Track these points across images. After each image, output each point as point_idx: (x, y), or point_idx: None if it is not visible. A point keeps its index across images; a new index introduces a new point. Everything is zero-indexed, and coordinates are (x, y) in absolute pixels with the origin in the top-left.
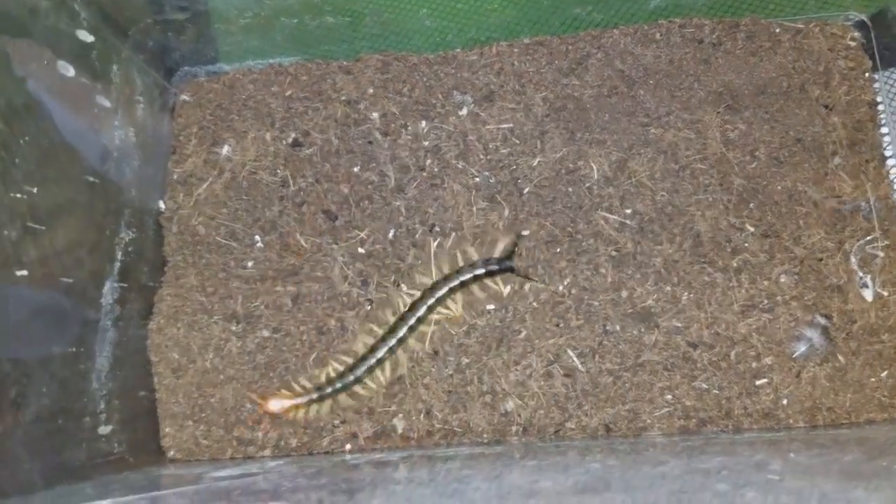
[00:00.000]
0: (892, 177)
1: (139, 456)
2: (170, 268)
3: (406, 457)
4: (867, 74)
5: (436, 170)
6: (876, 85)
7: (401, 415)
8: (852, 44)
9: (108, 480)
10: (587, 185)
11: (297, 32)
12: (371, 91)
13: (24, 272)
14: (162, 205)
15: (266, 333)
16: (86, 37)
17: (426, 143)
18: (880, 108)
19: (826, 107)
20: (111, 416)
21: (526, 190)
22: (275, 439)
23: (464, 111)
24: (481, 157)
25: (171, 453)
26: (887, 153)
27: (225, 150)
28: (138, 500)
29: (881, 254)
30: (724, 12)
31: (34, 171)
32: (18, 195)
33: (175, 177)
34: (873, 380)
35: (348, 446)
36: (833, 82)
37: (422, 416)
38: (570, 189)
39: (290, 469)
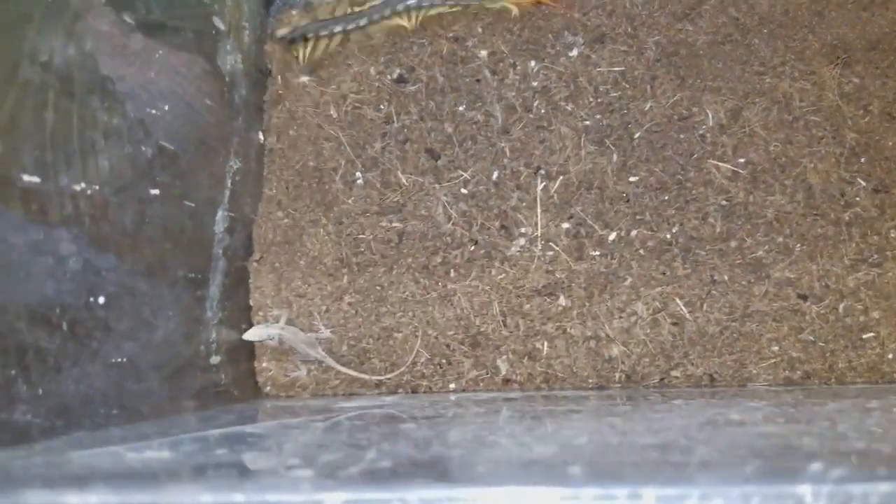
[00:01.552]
0: None
1: (242, 389)
2: (268, 201)
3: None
4: None
5: (543, 111)
6: None
7: (504, 356)
8: None
9: (237, 409)
10: (700, 132)
11: None
12: (480, 29)
13: (157, 191)
14: (261, 136)
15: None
16: None
17: (535, 84)
18: None
19: None
20: (220, 346)
21: (636, 135)
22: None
23: (574, 52)
24: (591, 100)
25: (267, 388)
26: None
27: (326, 83)
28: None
29: None
30: None
31: (164, 90)
32: (153, 111)
33: (275, 109)
34: None
35: (452, 386)
36: None
37: (525, 358)
38: (682, 136)
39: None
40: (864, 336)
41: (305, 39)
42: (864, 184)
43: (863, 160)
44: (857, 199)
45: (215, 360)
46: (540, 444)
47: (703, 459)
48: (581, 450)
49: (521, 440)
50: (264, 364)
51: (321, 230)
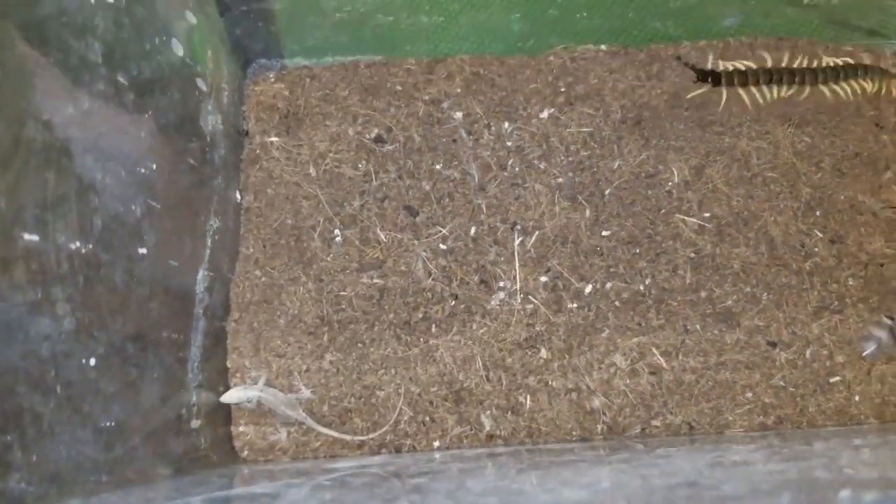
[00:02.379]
0: None
1: (219, 454)
2: (245, 259)
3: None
4: None
5: (517, 169)
6: None
7: (488, 412)
8: (893, 68)
9: (215, 475)
10: (666, 188)
11: (387, 30)
12: (455, 91)
13: (144, 250)
14: (238, 195)
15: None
16: (191, 18)
17: (509, 144)
18: None
19: (877, 125)
20: (200, 410)
21: (607, 191)
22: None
23: (545, 114)
24: (562, 158)
25: (244, 453)
26: None
27: (304, 143)
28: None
29: None
30: (786, 34)
31: (155, 147)
32: (143, 170)
33: (252, 169)
34: None
35: (436, 444)
36: (882, 104)
37: (508, 413)
38: (650, 192)
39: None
40: (832, 380)
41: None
42: (820, 235)
43: (818, 213)
44: (816, 249)
45: (195, 423)
46: (566, 488)
47: (736, 493)
48: (611, 493)
49: (545, 486)
50: (241, 428)
51: (300, 288)
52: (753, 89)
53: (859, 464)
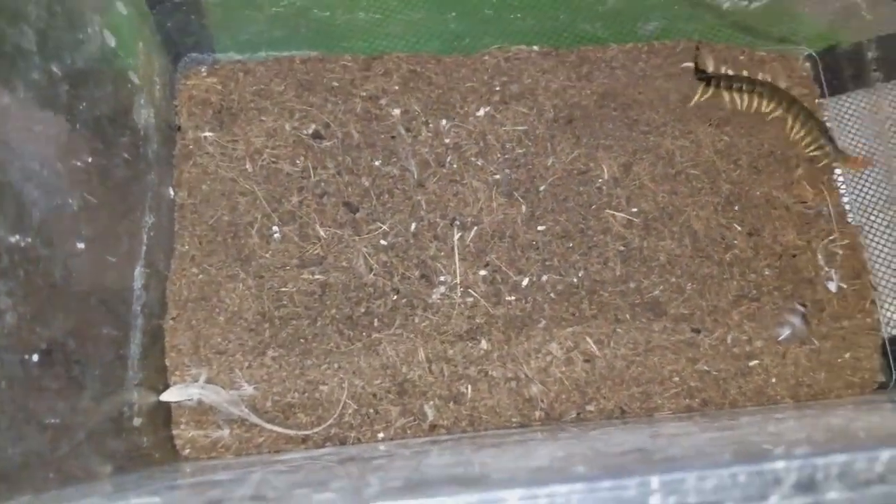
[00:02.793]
0: (840, 187)
1: (161, 452)
2: (181, 257)
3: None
4: (816, 101)
5: (455, 166)
6: (825, 111)
7: (431, 402)
8: (804, 74)
9: (157, 473)
10: (597, 185)
11: (324, 26)
12: (393, 88)
13: (82, 245)
14: (171, 192)
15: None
16: (122, 9)
17: (447, 141)
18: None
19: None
20: (141, 408)
21: (542, 188)
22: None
23: (481, 112)
24: (499, 155)
25: (186, 451)
26: (835, 166)
27: (239, 138)
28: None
29: (840, 252)
30: (708, 39)
31: (89, 140)
32: (79, 163)
33: (186, 164)
34: (840, 360)
35: (381, 435)
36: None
37: (451, 403)
38: (582, 188)
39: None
40: (751, 364)
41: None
42: (739, 228)
43: (736, 208)
44: (735, 241)
45: (137, 422)
46: (524, 460)
47: (684, 453)
48: (567, 459)
49: (503, 459)
50: (182, 427)
51: (240, 285)
52: (737, 96)
53: (786, 430)
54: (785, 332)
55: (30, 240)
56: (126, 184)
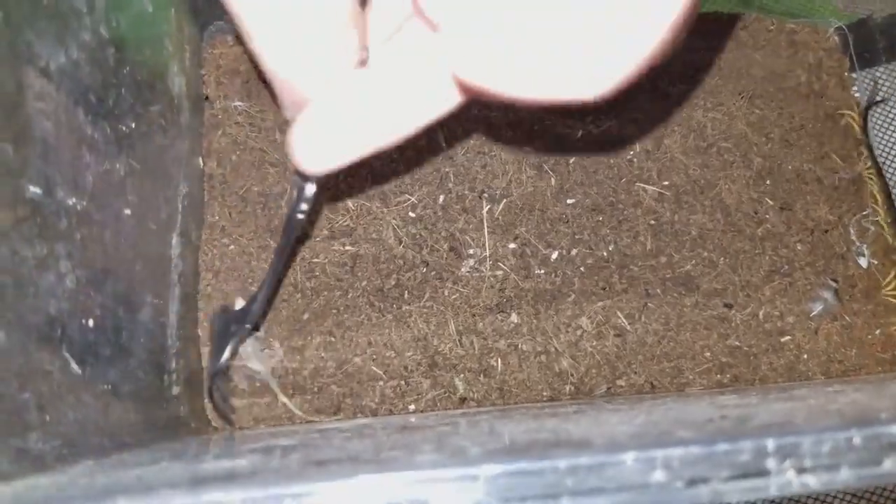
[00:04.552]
0: (869, 161)
1: (196, 422)
2: (211, 227)
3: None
4: (846, 74)
5: (484, 138)
6: (854, 84)
7: (462, 375)
8: (834, 46)
9: (211, 441)
10: (627, 157)
11: None
12: None
13: (129, 211)
14: (201, 162)
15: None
16: None
17: (476, 112)
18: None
19: (820, 96)
20: (179, 377)
21: (571, 161)
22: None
23: None
24: (527, 127)
25: (216, 422)
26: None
27: (268, 109)
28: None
29: (871, 227)
30: (737, 10)
31: (132, 105)
32: (124, 128)
33: (214, 135)
34: (870, 336)
35: (412, 407)
36: (823, 77)
37: (481, 376)
38: (612, 161)
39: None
40: (782, 339)
41: None
42: (771, 203)
43: (768, 182)
44: (767, 216)
45: (176, 390)
46: (621, 426)
47: (784, 419)
48: (664, 424)
49: (597, 422)
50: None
51: (270, 255)
52: None
53: (828, 402)
54: (817, 308)
55: (85, 203)
56: (163, 151)
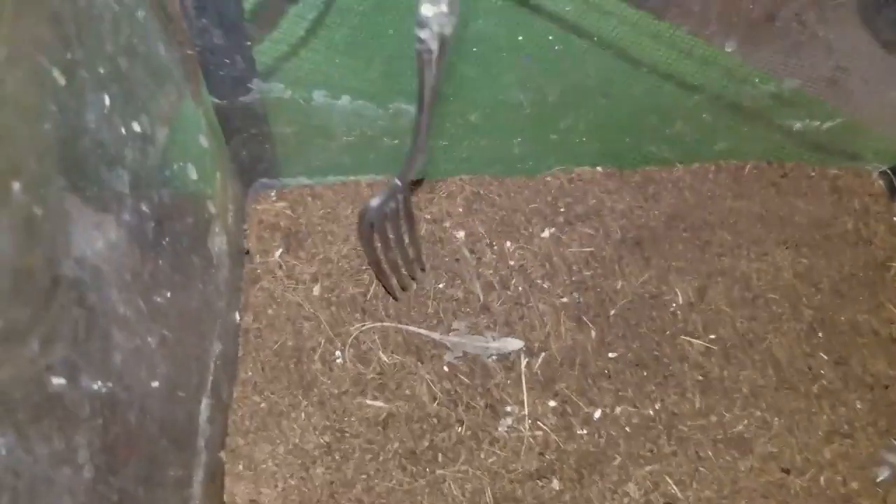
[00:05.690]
0: None
1: None
2: (243, 384)
3: None
4: (894, 219)
5: (521, 289)
6: None
7: None
8: (880, 191)
9: None
10: (670, 309)
11: (392, 152)
12: (457, 210)
13: (157, 383)
14: (237, 317)
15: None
16: (204, 142)
17: (512, 263)
18: None
19: (869, 243)
20: None
21: (612, 312)
22: None
23: (546, 233)
24: (565, 278)
25: None
26: None
27: (305, 262)
28: None
29: None
30: (776, 158)
31: (169, 275)
32: (159, 300)
33: (253, 289)
34: None
35: None
36: (871, 223)
37: None
38: (655, 313)
39: None
40: None
41: None
42: (825, 357)
43: (821, 335)
44: (822, 371)
45: None
46: None
47: None
48: None
49: None
50: None
51: (301, 413)
52: None
53: None
54: (884, 473)
55: (111, 384)
56: (198, 314)
